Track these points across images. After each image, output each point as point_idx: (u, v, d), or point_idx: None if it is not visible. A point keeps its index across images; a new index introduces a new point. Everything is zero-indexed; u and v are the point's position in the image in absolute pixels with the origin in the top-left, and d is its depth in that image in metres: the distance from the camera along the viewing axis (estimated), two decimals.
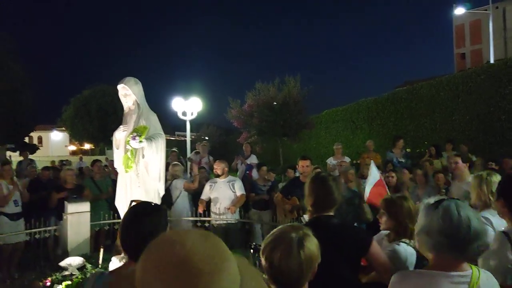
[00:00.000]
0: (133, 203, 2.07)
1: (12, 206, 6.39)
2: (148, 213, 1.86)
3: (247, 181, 7.93)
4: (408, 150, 10.62)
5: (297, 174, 6.82)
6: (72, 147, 64.00)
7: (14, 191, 6.44)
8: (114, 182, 7.71)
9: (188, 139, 14.61)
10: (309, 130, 17.07)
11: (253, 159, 9.42)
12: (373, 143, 9.86)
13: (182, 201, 7.12)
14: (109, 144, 40.12)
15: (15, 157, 24.00)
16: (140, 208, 1.94)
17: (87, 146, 60.09)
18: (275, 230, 1.87)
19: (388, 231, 2.88)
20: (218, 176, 6.43)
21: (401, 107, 15.69)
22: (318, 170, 6.51)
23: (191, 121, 14.03)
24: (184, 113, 13.81)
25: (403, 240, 2.71)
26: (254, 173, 8.76)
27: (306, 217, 3.02)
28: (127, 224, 1.84)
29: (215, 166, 6.56)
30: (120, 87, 4.66)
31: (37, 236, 5.73)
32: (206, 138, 27.99)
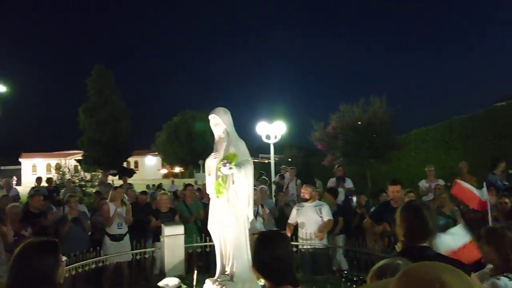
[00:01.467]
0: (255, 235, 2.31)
1: (115, 227, 6.94)
2: (272, 240, 2.06)
3: (348, 205, 7.74)
4: (510, 171, 9.71)
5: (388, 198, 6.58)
6: (164, 171, 68.22)
7: (123, 213, 7.00)
8: (205, 206, 8.11)
9: (272, 161, 14.88)
10: (397, 151, 16.38)
11: (349, 184, 9.26)
12: (467, 165, 9.18)
13: (258, 226, 7.10)
14: (198, 167, 42.18)
15: (114, 181, 26.08)
16: (263, 237, 2.16)
17: (177, 169, 63.72)
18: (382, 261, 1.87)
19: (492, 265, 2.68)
20: (305, 200, 6.42)
21: (500, 124, 14.44)
22: (412, 194, 6.23)
23: (274, 143, 14.30)
24: (268, 136, 14.13)
25: (506, 274, 2.49)
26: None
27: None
28: (256, 252, 2.05)
29: (302, 190, 6.56)
30: (211, 117, 4.92)
31: (138, 257, 6.20)
32: (289, 160, 28.06)
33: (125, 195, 7.35)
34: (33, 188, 11.18)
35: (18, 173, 57.03)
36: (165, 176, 65.37)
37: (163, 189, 14.00)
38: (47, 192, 11.11)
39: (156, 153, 60.91)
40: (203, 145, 44.43)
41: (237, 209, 4.76)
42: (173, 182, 24.10)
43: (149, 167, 68.20)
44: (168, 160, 58.46)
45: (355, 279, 3.51)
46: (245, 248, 4.79)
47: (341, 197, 9.00)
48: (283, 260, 1.97)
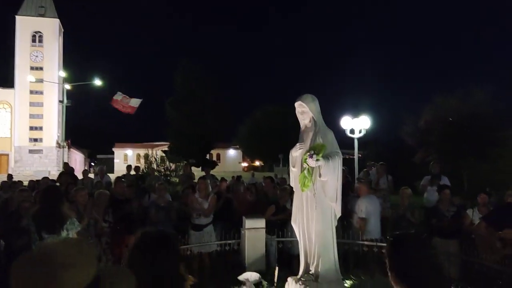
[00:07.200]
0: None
1: (198, 217, 6.88)
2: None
3: None
4: None
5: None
6: (244, 164, 69.58)
7: (205, 204, 6.93)
8: None
9: (356, 157, 14.17)
10: (500, 149, 14.66)
11: (446, 182, 8.40)
12: None
13: None
14: (277, 161, 42.27)
15: (196, 171, 26.72)
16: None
17: (257, 162, 64.57)
18: None
19: None
20: None
21: None
22: None
23: (358, 139, 13.59)
24: (352, 131, 13.47)
25: None
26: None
27: None
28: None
29: None
30: (297, 104, 4.56)
31: (218, 248, 6.07)
32: (375, 155, 26.80)
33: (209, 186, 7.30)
34: (121, 176, 11.68)
35: (111, 162, 61.82)
36: (245, 169, 66.69)
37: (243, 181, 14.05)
38: (135, 180, 11.59)
39: (238, 146, 62.25)
40: (283, 139, 44.41)
41: (323, 204, 4.37)
42: (253, 175, 24.23)
43: (230, 160, 69.95)
44: (248, 154, 59.49)
45: None
46: (331, 246, 4.39)
47: (434, 197, 8.19)
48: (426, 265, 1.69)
